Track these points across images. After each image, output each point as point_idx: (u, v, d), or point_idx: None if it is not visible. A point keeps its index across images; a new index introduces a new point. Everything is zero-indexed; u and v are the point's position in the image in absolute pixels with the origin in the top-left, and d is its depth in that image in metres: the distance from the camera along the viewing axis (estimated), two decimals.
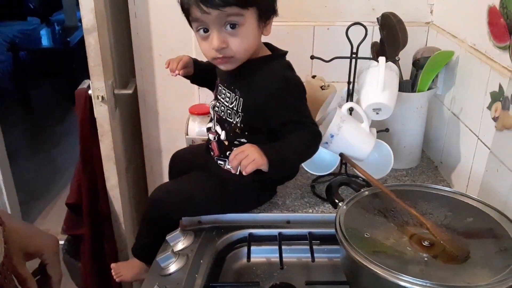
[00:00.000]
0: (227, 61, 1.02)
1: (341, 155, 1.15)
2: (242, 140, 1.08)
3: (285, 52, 1.10)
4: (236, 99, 1.06)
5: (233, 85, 1.07)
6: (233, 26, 0.96)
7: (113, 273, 1.26)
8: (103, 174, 1.65)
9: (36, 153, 3.59)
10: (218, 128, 1.12)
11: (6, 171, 2.56)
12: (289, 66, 1.08)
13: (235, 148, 1.01)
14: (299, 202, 1.21)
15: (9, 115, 3.70)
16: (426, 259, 0.82)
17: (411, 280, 0.75)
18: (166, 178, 1.41)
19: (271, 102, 1.02)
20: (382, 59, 1.12)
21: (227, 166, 1.11)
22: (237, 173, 0.99)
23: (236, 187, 1.11)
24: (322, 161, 1.24)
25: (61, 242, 2.02)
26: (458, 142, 1.26)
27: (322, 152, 1.23)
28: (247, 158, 0.96)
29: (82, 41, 1.57)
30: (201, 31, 0.99)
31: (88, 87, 1.57)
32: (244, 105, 1.05)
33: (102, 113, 1.56)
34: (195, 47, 1.43)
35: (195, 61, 1.20)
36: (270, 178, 1.11)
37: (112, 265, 1.26)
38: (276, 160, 1.00)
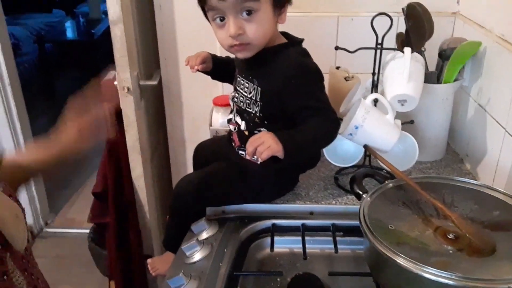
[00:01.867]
0: (244, 48, 1.02)
1: (365, 146, 1.14)
2: (262, 129, 1.09)
3: (301, 40, 1.10)
4: (254, 89, 1.07)
5: (251, 75, 1.08)
6: (249, 12, 0.97)
7: (149, 268, 1.29)
8: (128, 164, 1.68)
9: None
10: (238, 119, 1.14)
11: None
12: (305, 53, 1.08)
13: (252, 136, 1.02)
14: (322, 193, 1.21)
15: (35, 106, 3.76)
16: (451, 251, 0.82)
17: (435, 272, 0.74)
18: (190, 168, 1.43)
19: (287, 89, 1.03)
20: (407, 49, 1.11)
21: (249, 156, 1.12)
22: (255, 158, 1.00)
23: (258, 177, 1.13)
24: (346, 153, 1.24)
25: (87, 231, 2.08)
26: (484, 135, 1.24)
27: (346, 144, 1.22)
28: (262, 145, 0.97)
29: (106, 33, 1.60)
30: (218, 19, 1.00)
31: (114, 78, 1.59)
32: (262, 94, 1.06)
33: (127, 104, 1.58)
34: None
35: (213, 57, 1.21)
36: (288, 165, 1.12)
37: (148, 261, 1.29)
38: (292, 147, 1.00)
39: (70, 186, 3.13)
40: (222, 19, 0.99)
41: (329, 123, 1.05)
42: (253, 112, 1.09)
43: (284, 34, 1.10)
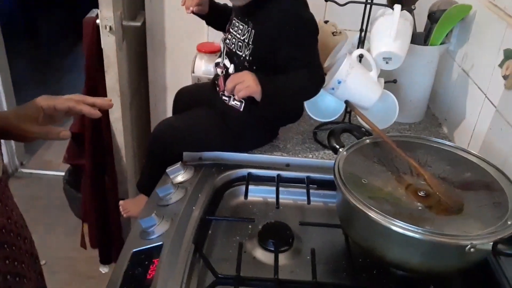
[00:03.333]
0: None
1: (347, 102, 1.14)
2: None
3: None
4: (248, 31, 1.07)
5: (247, 17, 1.07)
6: None
7: (121, 210, 1.29)
8: None
9: (42, 84, 3.58)
10: (226, 62, 1.13)
11: (11, 101, 2.58)
12: (304, 3, 1.07)
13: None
14: (300, 147, 1.22)
15: (16, 46, 3.66)
16: (420, 208, 0.84)
17: (403, 226, 0.76)
18: (169, 115, 1.42)
19: (282, 36, 1.02)
20: (397, 6, 1.10)
21: (232, 102, 1.12)
22: (234, 103, 1.02)
23: (239, 124, 1.12)
24: (327, 108, 1.24)
25: (63, 173, 2.06)
26: (465, 100, 1.25)
27: (327, 99, 1.22)
28: (242, 83, 0.99)
29: None
30: None
31: (97, 16, 1.54)
32: (255, 37, 1.05)
33: (109, 44, 1.54)
34: None
35: (211, 1, 1.19)
36: (268, 115, 1.13)
37: (120, 202, 1.30)
38: (271, 92, 1.02)
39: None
40: None
41: (313, 77, 1.05)
42: (243, 55, 1.08)
43: None
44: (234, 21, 1.12)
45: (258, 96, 1.00)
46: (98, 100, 0.87)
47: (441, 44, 1.27)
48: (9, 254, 0.73)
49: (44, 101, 0.82)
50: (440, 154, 0.98)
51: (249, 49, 1.06)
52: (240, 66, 1.09)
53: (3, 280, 0.70)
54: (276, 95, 1.04)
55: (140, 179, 1.30)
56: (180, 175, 1.09)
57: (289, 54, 1.03)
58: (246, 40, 1.07)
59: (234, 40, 1.10)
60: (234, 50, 1.10)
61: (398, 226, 0.77)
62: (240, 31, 1.09)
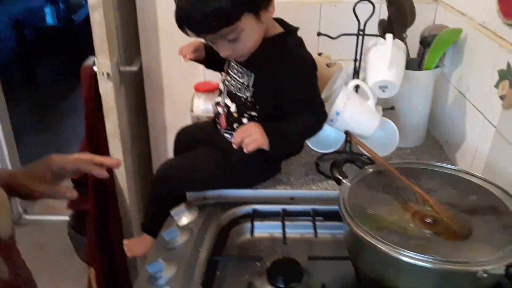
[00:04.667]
0: (238, 57, 1.05)
1: (346, 132, 1.15)
2: (252, 113, 1.10)
3: (297, 29, 1.10)
4: (248, 75, 1.08)
5: (246, 61, 1.08)
6: (234, 39, 0.99)
7: (125, 249, 1.28)
8: (108, 151, 1.66)
9: (42, 130, 3.60)
10: (228, 101, 1.14)
11: (12, 148, 2.59)
12: (301, 44, 1.09)
13: (240, 126, 1.04)
14: (303, 179, 1.21)
15: (15, 93, 3.71)
16: (428, 235, 0.83)
17: (413, 256, 0.75)
18: (170, 155, 1.42)
19: (283, 80, 1.04)
20: (389, 36, 1.11)
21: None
22: (233, 133, 1.03)
23: (241, 161, 1.12)
24: (327, 139, 1.24)
25: (67, 218, 2.05)
26: (464, 121, 1.25)
27: (327, 130, 1.22)
28: (249, 137, 1.00)
29: (86, 19, 1.57)
30: (209, 42, 1.03)
31: (93, 64, 1.56)
32: (255, 80, 1.07)
33: (107, 90, 1.55)
34: None
35: (206, 46, 1.21)
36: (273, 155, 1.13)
37: (125, 242, 1.29)
38: (277, 141, 1.04)
39: None
40: (212, 41, 1.02)
41: (317, 117, 1.08)
42: (244, 97, 1.09)
43: (279, 21, 1.10)
44: (232, 63, 1.12)
45: (266, 147, 1.02)
46: (106, 160, 0.90)
47: (435, 68, 1.28)
48: None
49: (53, 160, 0.83)
50: (444, 178, 0.98)
51: (250, 91, 1.08)
52: (243, 105, 1.10)
53: None
54: (282, 142, 1.06)
55: (144, 221, 1.30)
56: (184, 217, 1.08)
57: (292, 96, 1.05)
58: (246, 83, 1.08)
59: (233, 82, 1.11)
60: (234, 92, 1.11)
61: (407, 256, 0.76)
62: (240, 74, 1.10)
